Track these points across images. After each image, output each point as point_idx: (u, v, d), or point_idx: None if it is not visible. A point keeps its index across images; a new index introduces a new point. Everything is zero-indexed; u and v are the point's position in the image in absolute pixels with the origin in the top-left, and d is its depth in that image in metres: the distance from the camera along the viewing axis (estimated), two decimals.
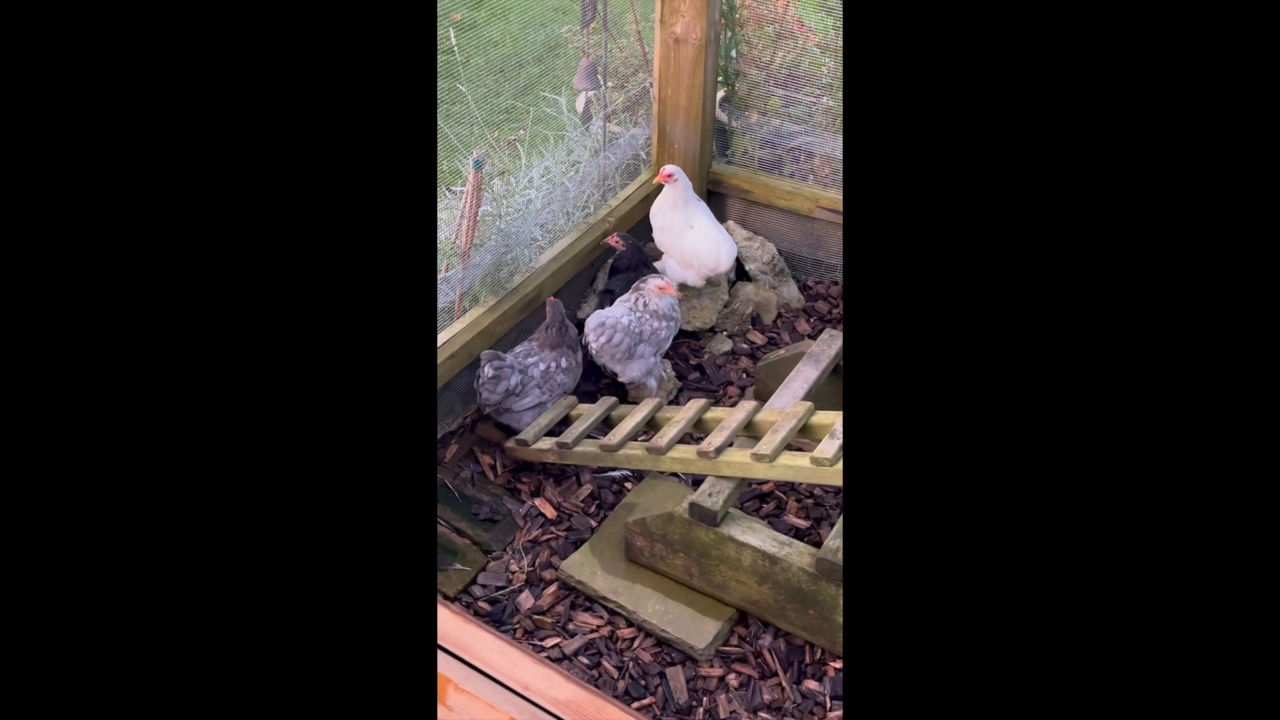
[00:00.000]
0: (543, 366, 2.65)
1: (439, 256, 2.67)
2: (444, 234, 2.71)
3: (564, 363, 2.69)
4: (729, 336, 3.12)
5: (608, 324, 2.74)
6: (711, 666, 2.25)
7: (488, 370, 2.56)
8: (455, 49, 2.94)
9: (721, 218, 3.30)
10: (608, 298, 2.98)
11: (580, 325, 3.05)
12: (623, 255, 3.00)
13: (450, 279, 2.67)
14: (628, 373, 2.77)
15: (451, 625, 1.19)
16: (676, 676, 2.22)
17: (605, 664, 2.25)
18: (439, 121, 3.02)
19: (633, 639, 2.31)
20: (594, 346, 2.75)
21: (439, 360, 2.57)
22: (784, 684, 2.21)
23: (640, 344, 2.74)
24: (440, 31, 3.05)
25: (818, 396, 2.51)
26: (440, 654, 1.17)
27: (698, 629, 2.28)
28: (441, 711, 1.14)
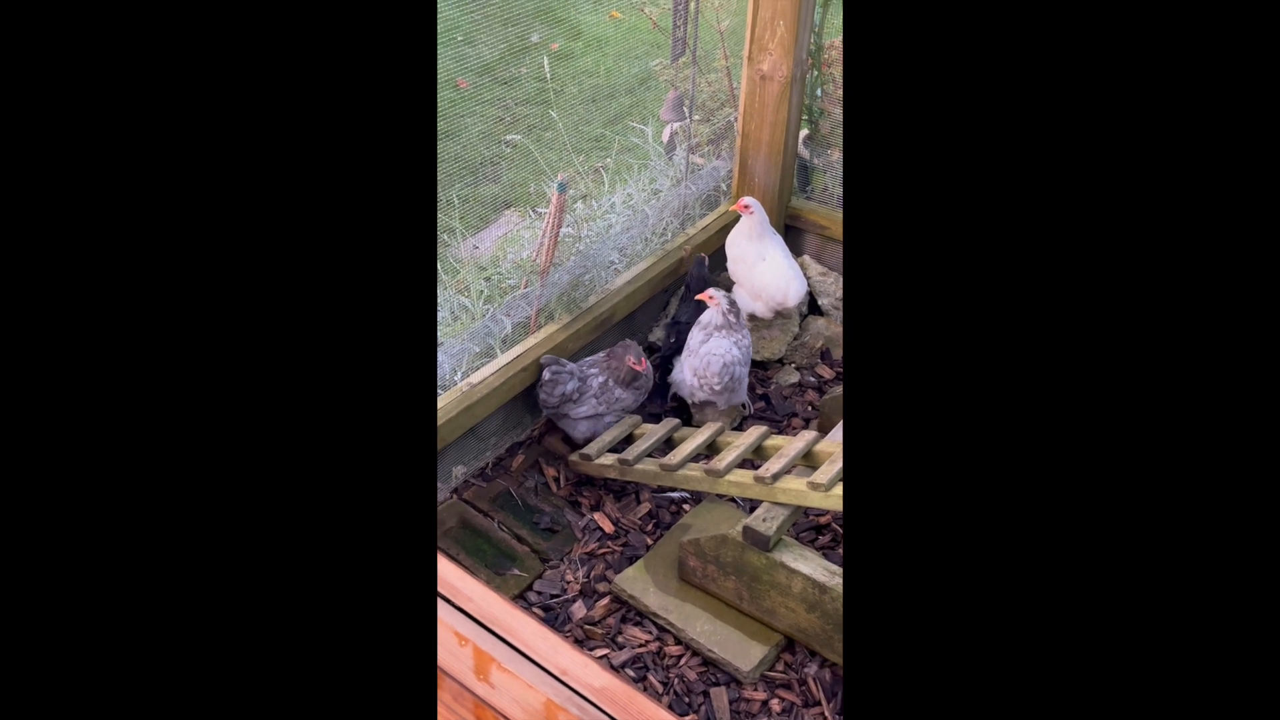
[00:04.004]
0: (601, 379, 2.72)
1: (520, 273, 2.79)
2: (525, 252, 2.82)
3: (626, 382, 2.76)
4: (797, 369, 3.15)
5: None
6: (756, 690, 2.27)
7: (545, 374, 2.68)
8: (549, 77, 3.07)
9: (798, 252, 3.35)
10: (674, 328, 3.04)
11: (650, 349, 3.13)
12: (691, 279, 3.06)
13: (528, 295, 2.77)
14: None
15: (498, 609, 1.26)
16: (720, 697, 2.24)
17: (651, 678, 2.29)
18: (530, 146, 3.15)
19: (679, 656, 2.34)
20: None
21: (512, 372, 2.67)
22: (826, 714, 2.21)
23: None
24: (537, 60, 3.19)
25: None
26: (485, 634, 1.23)
27: (744, 651, 2.30)
28: (483, 688, 1.20)
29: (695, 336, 2.83)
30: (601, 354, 2.79)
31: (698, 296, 2.83)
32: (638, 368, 2.64)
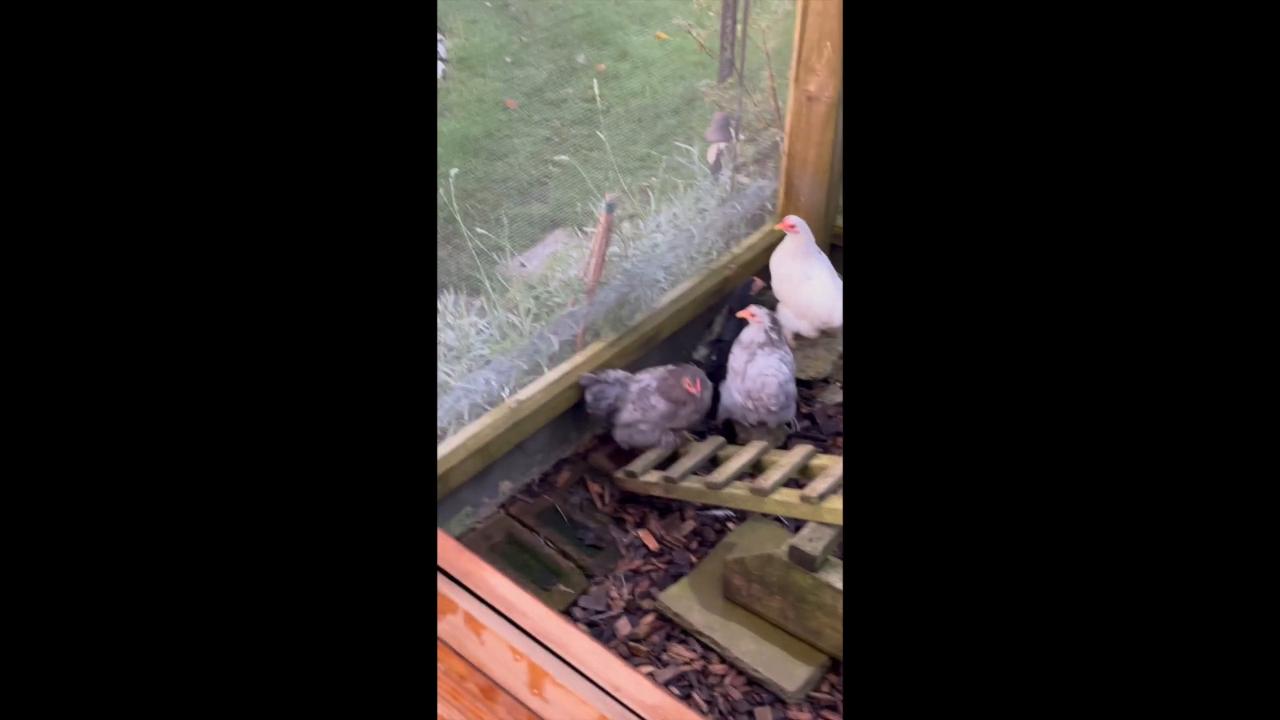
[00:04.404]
0: (643, 386, 2.73)
1: (568, 291, 2.82)
2: (573, 271, 2.86)
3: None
4: (842, 388, 3.15)
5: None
6: (800, 710, 2.26)
7: (587, 395, 2.73)
8: (598, 98, 3.11)
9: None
10: (715, 346, 3.06)
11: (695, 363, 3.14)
12: (736, 299, 3.08)
13: (575, 314, 2.81)
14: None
15: (552, 624, 1.28)
16: (765, 716, 2.24)
17: (695, 696, 2.29)
18: (577, 165, 3.19)
19: (724, 675, 2.34)
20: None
21: (559, 389, 2.71)
22: None
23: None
24: (585, 81, 3.23)
25: None
26: (539, 649, 1.26)
27: (789, 671, 2.30)
28: (537, 702, 1.22)
29: (738, 357, 2.83)
30: (664, 367, 2.79)
31: (739, 314, 2.85)
32: (692, 389, 2.65)
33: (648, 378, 2.74)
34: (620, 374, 2.77)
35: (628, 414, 2.73)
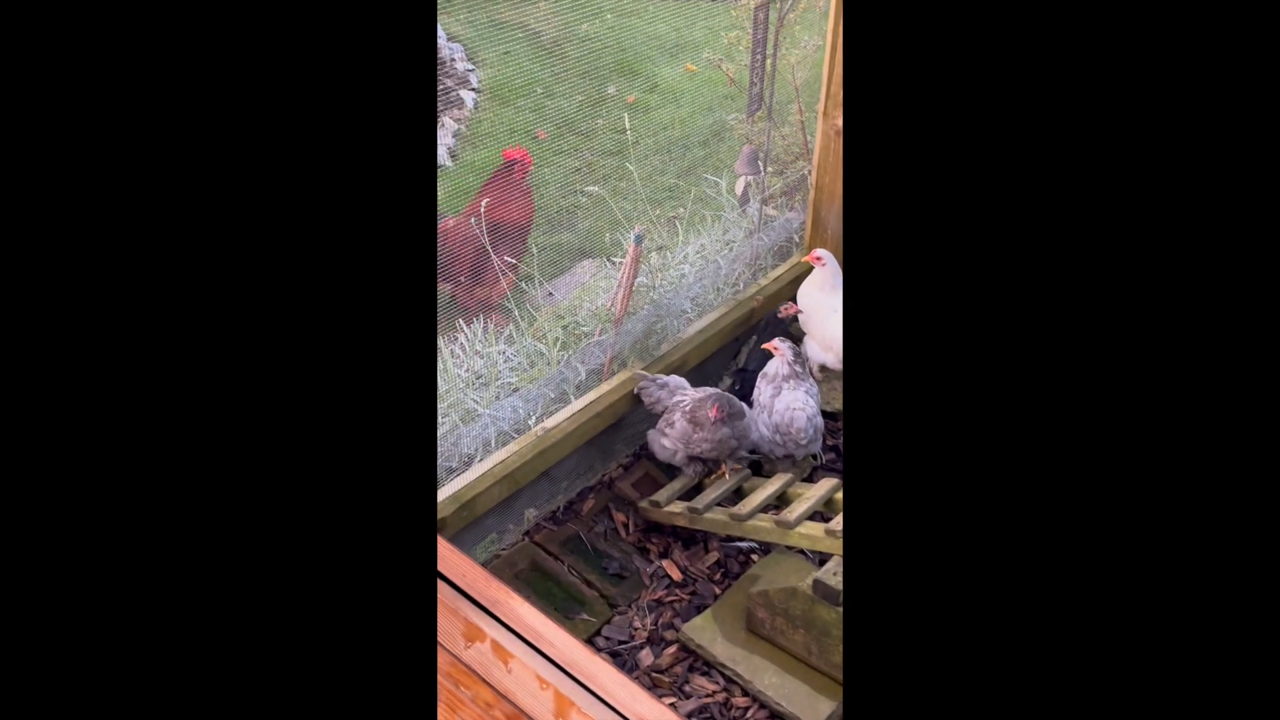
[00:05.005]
0: (675, 399, 2.74)
1: (595, 321, 2.85)
2: (601, 300, 2.89)
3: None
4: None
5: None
6: None
7: (636, 389, 2.82)
8: (628, 130, 3.15)
9: None
10: (739, 375, 3.07)
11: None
12: (766, 323, 3.09)
13: (603, 343, 2.83)
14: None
15: (579, 654, 1.29)
16: None
17: None
18: (606, 196, 3.22)
19: (746, 708, 2.33)
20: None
21: (585, 418, 2.72)
22: None
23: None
24: (615, 113, 3.28)
25: None
26: (566, 678, 1.27)
27: (812, 706, 2.28)
28: None
29: (764, 390, 2.83)
30: (711, 390, 2.76)
31: (763, 346, 2.86)
32: (712, 413, 2.65)
33: (691, 395, 2.75)
34: (674, 380, 2.80)
35: (661, 422, 2.77)
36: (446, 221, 2.79)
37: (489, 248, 2.70)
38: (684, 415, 2.69)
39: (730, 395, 2.70)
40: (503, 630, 1.34)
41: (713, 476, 2.79)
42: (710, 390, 2.74)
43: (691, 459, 2.75)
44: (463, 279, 2.84)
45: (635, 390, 2.83)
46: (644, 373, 2.85)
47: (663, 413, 2.77)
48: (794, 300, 3.16)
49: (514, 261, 2.89)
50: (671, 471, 2.88)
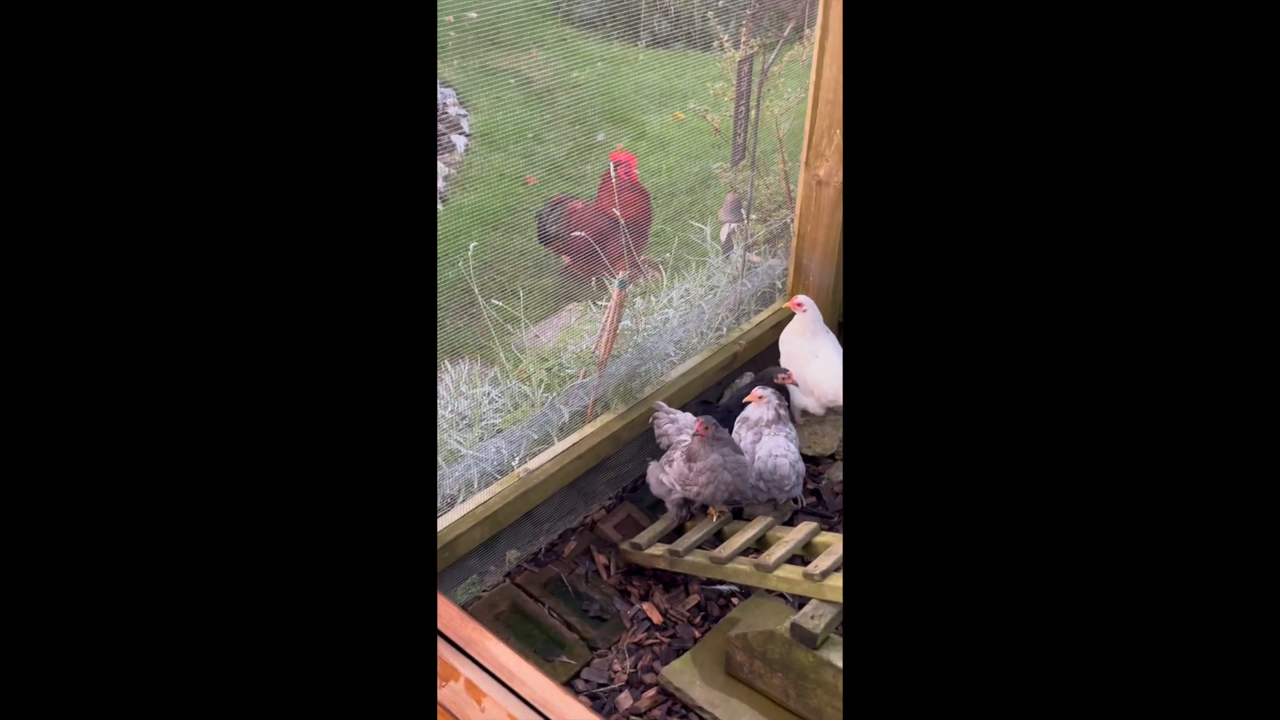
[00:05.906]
0: (680, 437, 2.74)
1: (579, 363, 2.88)
2: (585, 343, 2.92)
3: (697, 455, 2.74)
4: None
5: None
6: None
7: (650, 420, 2.86)
8: (614, 177, 3.21)
9: None
10: (720, 415, 3.09)
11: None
12: (761, 377, 3.11)
13: (586, 385, 2.86)
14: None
15: (551, 694, 1.31)
16: None
17: None
18: (592, 240, 3.27)
19: None
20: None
21: (567, 460, 2.75)
22: None
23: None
24: (603, 159, 3.34)
25: None
26: (537, 717, 1.28)
27: None
28: None
29: (745, 436, 2.84)
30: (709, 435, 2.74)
31: (744, 400, 2.86)
32: (697, 427, 2.64)
33: (693, 442, 2.70)
34: (685, 418, 2.81)
35: (664, 457, 2.79)
36: (575, 204, 2.99)
37: (622, 226, 2.85)
38: (682, 455, 2.69)
39: (716, 425, 2.69)
40: (476, 669, 1.35)
41: (709, 514, 2.80)
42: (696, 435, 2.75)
43: (684, 502, 2.77)
44: (584, 256, 2.96)
45: (650, 420, 2.86)
46: (662, 403, 2.88)
47: (668, 447, 2.79)
48: (780, 356, 3.21)
49: (636, 254, 3.02)
50: (653, 514, 2.90)
